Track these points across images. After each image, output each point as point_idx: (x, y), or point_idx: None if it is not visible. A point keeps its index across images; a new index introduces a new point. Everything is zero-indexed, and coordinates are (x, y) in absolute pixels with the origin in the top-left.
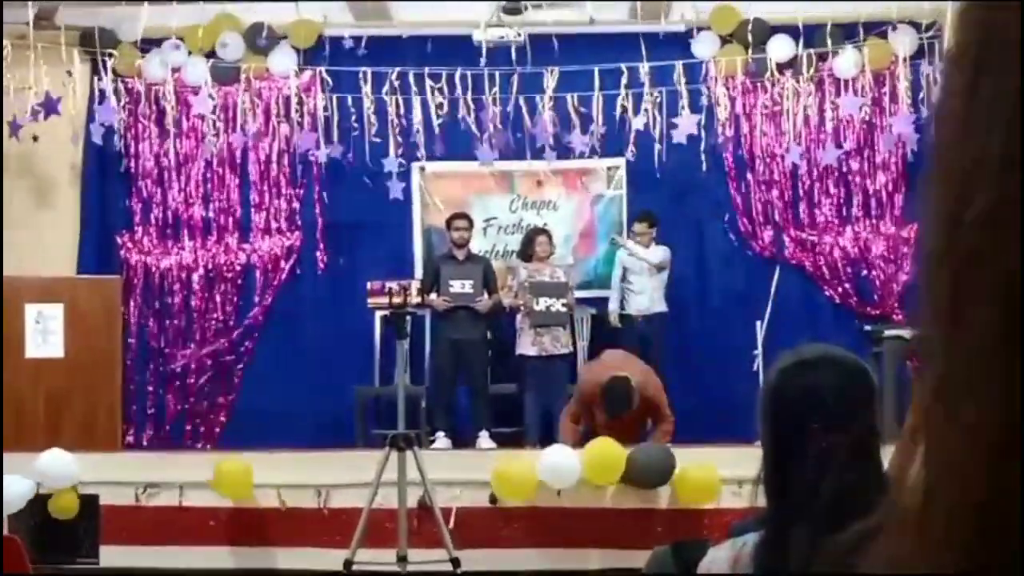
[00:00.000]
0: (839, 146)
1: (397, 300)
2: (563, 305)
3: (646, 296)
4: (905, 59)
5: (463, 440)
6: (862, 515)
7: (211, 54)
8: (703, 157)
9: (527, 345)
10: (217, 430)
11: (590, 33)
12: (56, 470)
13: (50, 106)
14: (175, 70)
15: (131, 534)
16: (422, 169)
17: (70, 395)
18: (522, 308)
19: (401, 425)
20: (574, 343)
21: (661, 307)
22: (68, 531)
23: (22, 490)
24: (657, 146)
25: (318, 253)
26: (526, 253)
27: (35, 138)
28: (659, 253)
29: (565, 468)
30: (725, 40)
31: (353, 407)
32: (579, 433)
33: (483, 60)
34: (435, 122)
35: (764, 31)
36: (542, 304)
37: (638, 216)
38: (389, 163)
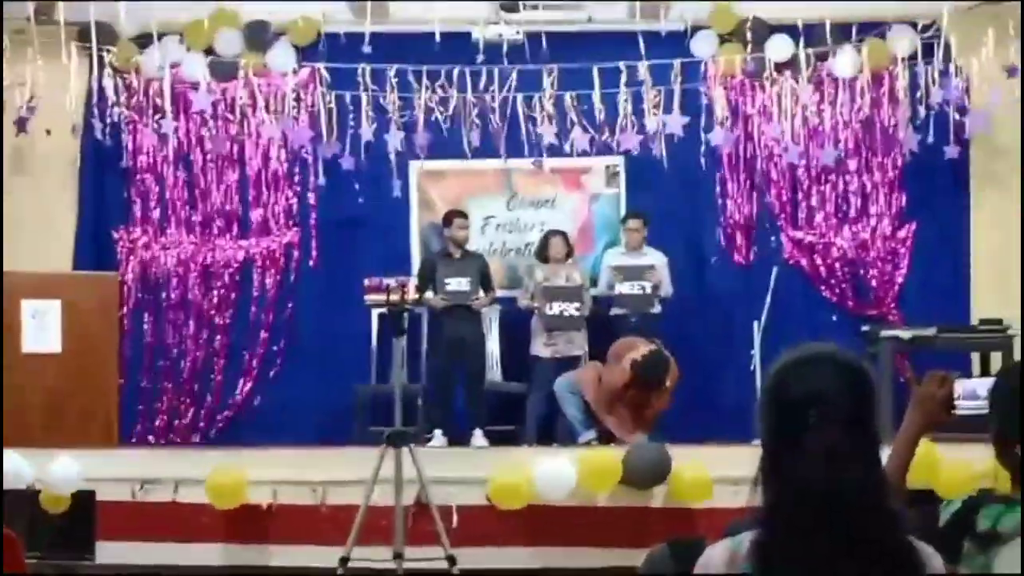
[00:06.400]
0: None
1: (394, 297)
2: (576, 310)
3: (638, 297)
4: (903, 59)
5: (457, 438)
6: (860, 512)
7: (209, 51)
8: (701, 156)
9: (540, 347)
10: (215, 426)
11: (589, 32)
12: (61, 475)
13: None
14: (174, 66)
15: (128, 530)
16: (420, 167)
17: (67, 391)
18: (536, 311)
19: (398, 422)
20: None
21: (654, 307)
22: (64, 527)
23: (21, 471)
24: (655, 145)
25: (315, 250)
26: (543, 255)
27: (48, 132)
28: (654, 260)
29: (560, 480)
30: (724, 39)
31: (352, 404)
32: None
33: (481, 58)
34: (434, 120)
35: (763, 30)
36: (555, 308)
37: (631, 212)
38: (387, 161)
